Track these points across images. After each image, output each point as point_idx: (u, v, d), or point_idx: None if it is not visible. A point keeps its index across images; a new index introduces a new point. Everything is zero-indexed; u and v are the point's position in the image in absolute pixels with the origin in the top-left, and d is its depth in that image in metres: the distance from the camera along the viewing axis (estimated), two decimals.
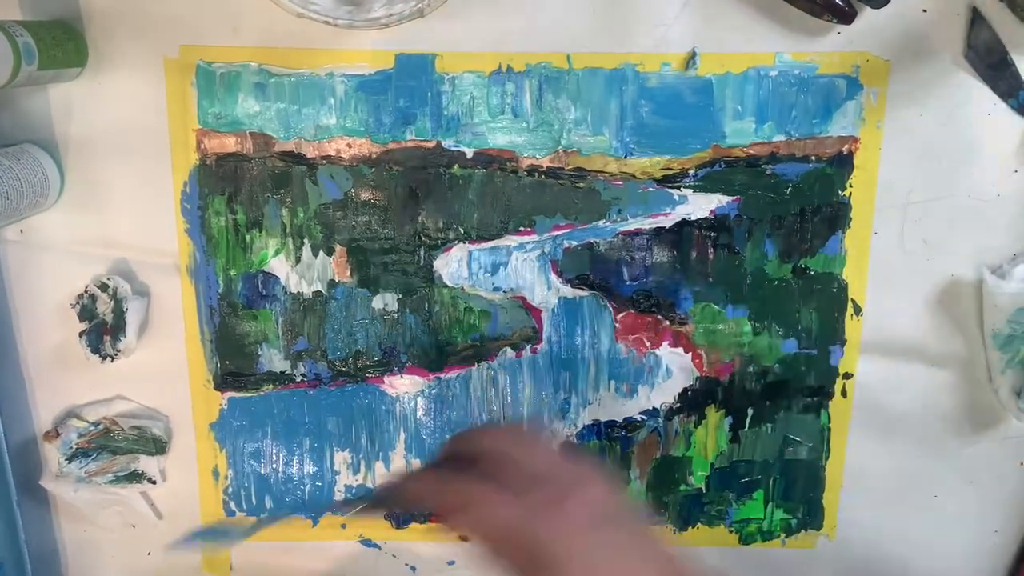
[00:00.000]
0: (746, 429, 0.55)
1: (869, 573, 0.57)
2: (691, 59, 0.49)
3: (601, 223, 0.52)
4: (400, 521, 0.56)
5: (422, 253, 0.52)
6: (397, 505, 0.42)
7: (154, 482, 0.55)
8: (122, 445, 0.54)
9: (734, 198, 0.51)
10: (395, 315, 0.53)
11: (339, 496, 0.56)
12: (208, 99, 0.50)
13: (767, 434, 0.55)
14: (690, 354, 0.54)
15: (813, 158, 0.51)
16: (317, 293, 0.53)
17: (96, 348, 0.52)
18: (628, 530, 0.36)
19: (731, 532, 0.57)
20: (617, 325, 0.53)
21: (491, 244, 0.52)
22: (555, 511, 0.34)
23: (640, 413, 0.55)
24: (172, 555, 0.54)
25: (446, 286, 0.53)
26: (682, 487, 0.56)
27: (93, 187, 0.51)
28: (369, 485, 0.56)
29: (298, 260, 0.52)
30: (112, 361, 0.52)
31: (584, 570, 0.34)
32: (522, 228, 0.52)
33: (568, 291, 0.53)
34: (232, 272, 0.53)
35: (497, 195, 0.51)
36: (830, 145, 0.51)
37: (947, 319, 0.53)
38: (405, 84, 0.50)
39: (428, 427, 0.55)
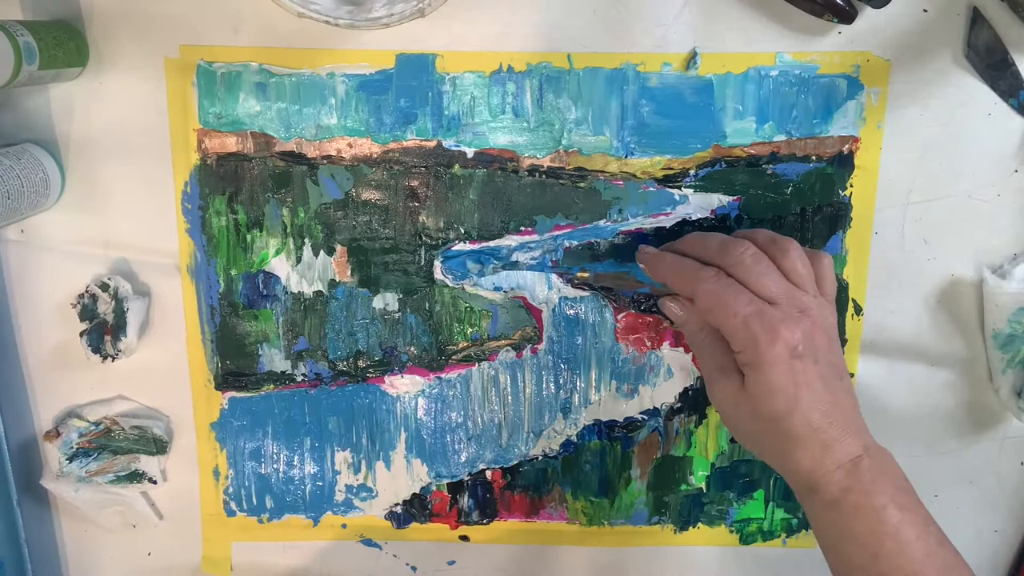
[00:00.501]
0: None
1: None
2: (692, 59, 0.49)
3: (602, 223, 0.52)
4: (403, 519, 0.57)
5: (423, 253, 0.52)
6: (646, 266, 0.47)
7: (155, 482, 0.55)
8: (123, 445, 0.54)
9: (735, 198, 0.51)
10: (396, 315, 0.53)
11: (340, 496, 0.56)
12: (209, 99, 0.50)
13: None
14: (691, 354, 0.54)
15: (814, 158, 0.51)
16: (318, 293, 0.53)
17: (97, 348, 0.52)
18: (828, 372, 0.42)
19: (732, 532, 0.57)
20: (618, 325, 0.53)
21: (492, 243, 0.52)
22: (784, 327, 0.41)
23: (641, 413, 0.55)
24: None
25: (446, 286, 0.53)
26: (683, 487, 0.56)
27: (94, 187, 0.51)
28: (370, 485, 0.56)
29: (299, 260, 0.52)
30: (113, 361, 0.52)
31: (783, 389, 0.41)
32: (523, 228, 0.52)
33: (569, 291, 0.53)
34: (233, 272, 0.53)
35: (498, 195, 0.51)
36: (831, 145, 0.51)
37: (947, 319, 0.53)
38: (406, 84, 0.50)
39: (429, 427, 0.55)
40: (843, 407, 0.42)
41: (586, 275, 0.50)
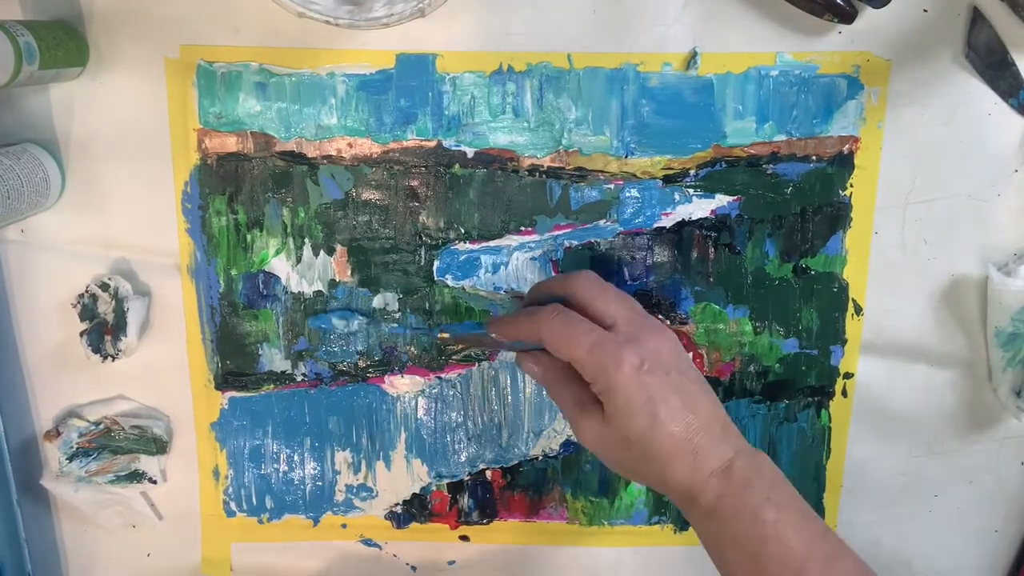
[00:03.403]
0: (747, 429, 0.55)
1: None
2: (692, 59, 0.49)
3: (602, 223, 0.52)
4: (400, 521, 0.57)
5: (423, 253, 0.52)
6: (496, 333, 0.46)
7: (155, 482, 0.55)
8: (123, 445, 0.54)
9: (735, 198, 0.51)
10: (396, 315, 0.53)
11: (340, 496, 0.56)
12: (209, 99, 0.50)
13: (768, 434, 0.55)
14: (691, 354, 0.54)
15: (814, 158, 0.51)
16: (318, 293, 0.53)
17: (97, 348, 0.52)
18: (681, 381, 0.42)
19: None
20: None
21: (492, 243, 0.52)
22: (627, 348, 0.41)
23: None
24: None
25: (447, 286, 0.53)
26: None
27: (94, 187, 0.51)
28: (370, 485, 0.56)
29: (299, 260, 0.52)
30: (113, 361, 0.52)
31: (640, 406, 0.40)
32: (523, 228, 0.52)
33: None
34: (233, 272, 0.53)
35: (498, 195, 0.51)
36: (831, 145, 0.51)
37: (948, 319, 0.53)
38: (406, 84, 0.50)
39: (429, 427, 0.55)
40: (705, 414, 0.42)
41: (446, 336, 0.51)
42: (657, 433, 0.41)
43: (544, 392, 0.54)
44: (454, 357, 0.54)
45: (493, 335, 0.46)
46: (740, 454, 0.41)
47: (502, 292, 0.53)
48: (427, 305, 0.53)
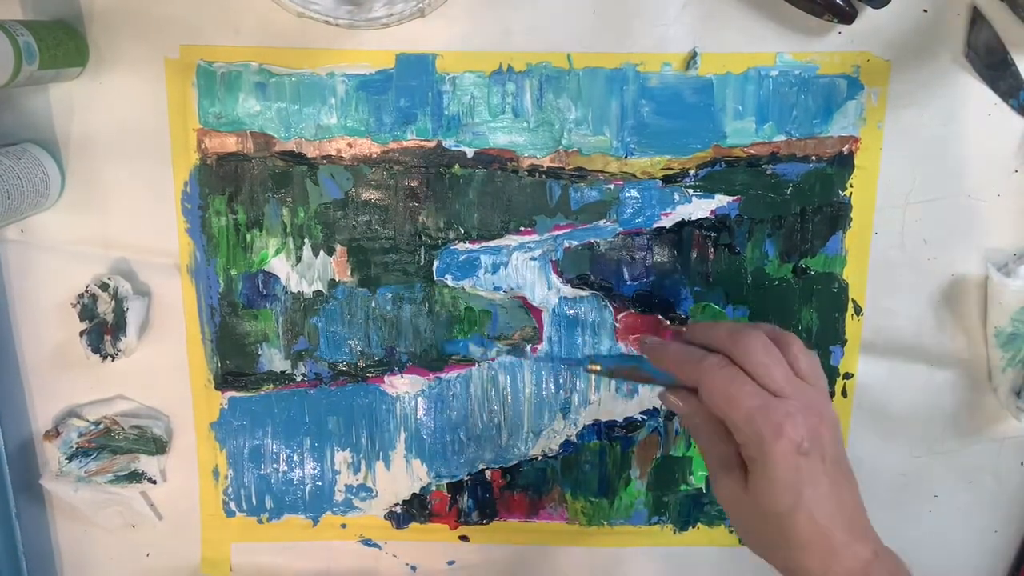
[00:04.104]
0: None
1: None
2: (692, 59, 0.49)
3: (602, 223, 0.52)
4: (398, 521, 0.57)
5: (422, 253, 0.52)
6: (654, 360, 0.44)
7: (154, 482, 0.55)
8: (122, 445, 0.54)
9: (734, 198, 0.51)
10: (395, 315, 0.53)
11: (339, 496, 0.56)
12: (209, 99, 0.50)
13: None
14: None
15: (814, 158, 0.51)
16: (317, 293, 0.53)
17: (97, 348, 0.52)
18: (834, 470, 0.40)
19: (731, 532, 0.57)
20: (617, 325, 0.53)
21: (492, 244, 0.52)
22: (788, 423, 0.38)
23: (640, 413, 0.55)
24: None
25: (446, 286, 0.53)
26: (682, 487, 0.56)
27: (94, 187, 0.51)
28: (369, 485, 0.56)
29: (298, 260, 0.52)
30: (113, 361, 0.52)
31: (787, 487, 0.39)
32: (522, 228, 0.52)
33: (568, 291, 0.53)
34: (232, 272, 0.53)
35: (498, 195, 0.51)
36: (831, 145, 0.51)
37: (947, 319, 0.53)
38: (406, 84, 0.50)
39: (428, 427, 0.55)
40: (850, 508, 0.40)
41: (597, 368, 0.48)
42: (798, 518, 0.39)
43: (544, 393, 0.54)
44: (454, 357, 0.54)
45: (647, 357, 0.44)
46: (878, 556, 0.40)
47: (502, 292, 0.53)
48: (427, 305, 0.53)
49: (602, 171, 0.51)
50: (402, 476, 0.56)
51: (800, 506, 0.39)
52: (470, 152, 0.51)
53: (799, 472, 0.38)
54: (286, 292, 0.53)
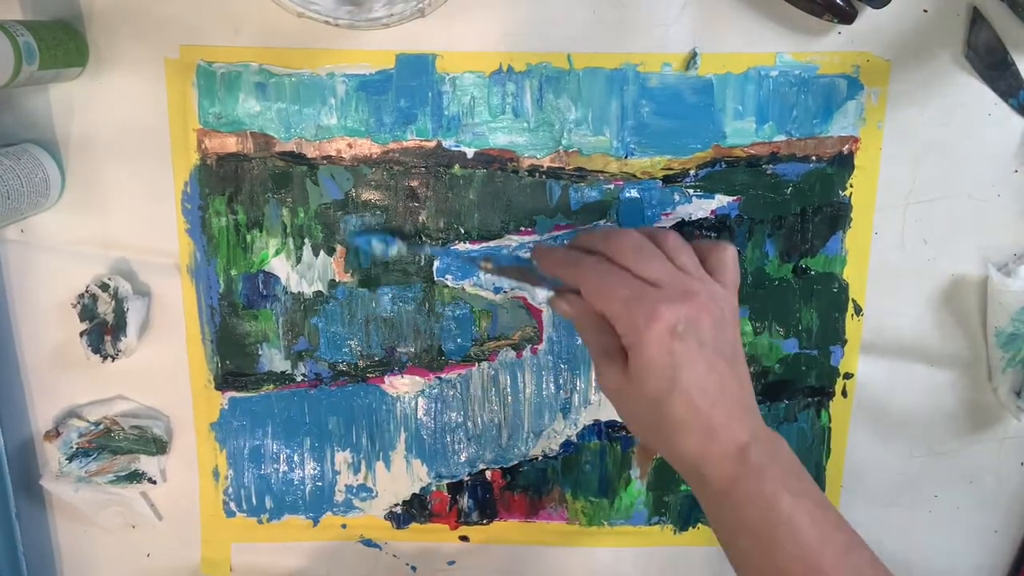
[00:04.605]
0: None
1: None
2: (692, 59, 0.49)
3: (602, 223, 0.52)
4: (400, 520, 0.57)
5: (422, 253, 0.52)
6: (539, 263, 0.45)
7: (154, 482, 0.55)
8: (123, 445, 0.54)
9: (735, 198, 0.51)
10: (395, 315, 0.53)
11: (340, 496, 0.56)
12: (209, 99, 0.50)
13: None
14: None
15: (814, 158, 0.51)
16: (318, 293, 0.53)
17: (97, 348, 0.52)
18: (714, 355, 0.40)
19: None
20: None
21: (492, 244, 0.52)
22: (663, 307, 0.39)
23: None
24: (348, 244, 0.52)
25: (447, 286, 0.53)
26: (682, 487, 0.56)
27: (94, 187, 0.51)
28: (369, 485, 0.56)
29: (299, 260, 0.52)
30: (113, 361, 0.52)
31: (662, 369, 0.39)
32: (523, 228, 0.52)
33: None
34: (233, 272, 0.53)
35: (498, 195, 0.51)
36: (831, 145, 0.51)
37: (947, 319, 0.53)
38: (406, 84, 0.50)
39: (428, 427, 0.55)
40: (730, 391, 0.40)
41: (488, 265, 0.49)
42: (673, 399, 0.40)
43: (544, 393, 0.54)
44: (454, 357, 0.54)
45: (535, 262, 0.45)
46: (757, 439, 0.40)
47: (502, 292, 0.53)
48: (427, 305, 0.53)
49: (602, 171, 0.51)
50: (402, 476, 0.56)
51: (676, 388, 0.39)
52: (470, 152, 0.51)
53: (673, 355, 0.39)
54: (286, 292, 0.53)
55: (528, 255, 0.46)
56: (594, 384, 0.54)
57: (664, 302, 0.40)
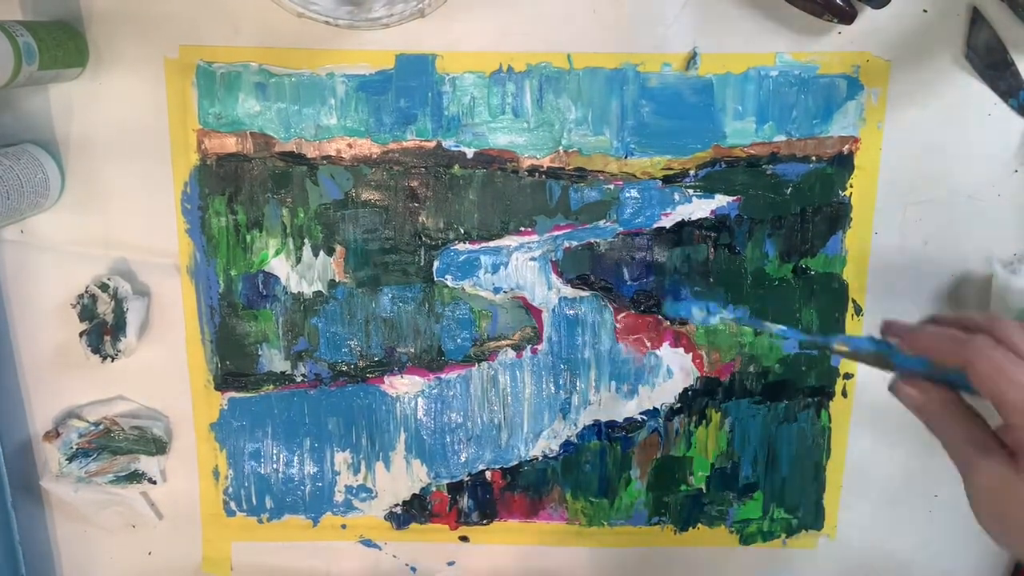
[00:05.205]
0: (747, 429, 0.55)
1: (869, 573, 0.57)
2: (692, 59, 0.49)
3: (602, 223, 0.52)
4: (403, 520, 0.56)
5: (422, 253, 0.52)
6: (906, 346, 0.42)
7: (154, 482, 0.55)
8: (122, 445, 0.54)
9: (734, 198, 0.51)
10: (395, 315, 0.53)
11: (340, 496, 0.56)
12: (208, 99, 0.50)
13: (767, 434, 0.55)
14: (691, 354, 0.54)
15: (814, 158, 0.51)
16: (317, 293, 0.53)
17: (96, 348, 0.52)
18: None
19: (731, 532, 0.57)
20: (618, 325, 0.53)
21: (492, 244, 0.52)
22: None
23: (641, 413, 0.55)
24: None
25: (446, 286, 0.53)
26: (683, 487, 0.56)
27: (93, 187, 0.51)
28: (369, 486, 0.56)
29: (298, 260, 0.52)
30: (112, 361, 0.52)
31: None
32: (523, 228, 0.52)
33: (568, 291, 0.53)
34: (232, 272, 0.53)
35: (498, 195, 0.51)
36: (831, 145, 0.51)
37: None
38: (406, 84, 0.50)
39: (428, 427, 0.55)
40: None
41: (845, 349, 0.45)
42: None
43: (544, 393, 0.54)
44: (453, 360, 0.54)
45: (893, 341, 0.42)
46: None
47: (502, 293, 0.53)
48: (427, 305, 0.53)
49: (602, 171, 0.51)
50: (402, 476, 0.56)
51: None
52: (470, 152, 0.51)
53: None
54: (286, 292, 0.53)
55: (883, 333, 0.42)
56: (594, 384, 0.54)
57: None
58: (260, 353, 0.54)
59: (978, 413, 0.39)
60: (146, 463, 0.54)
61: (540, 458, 0.55)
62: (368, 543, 0.57)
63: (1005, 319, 0.40)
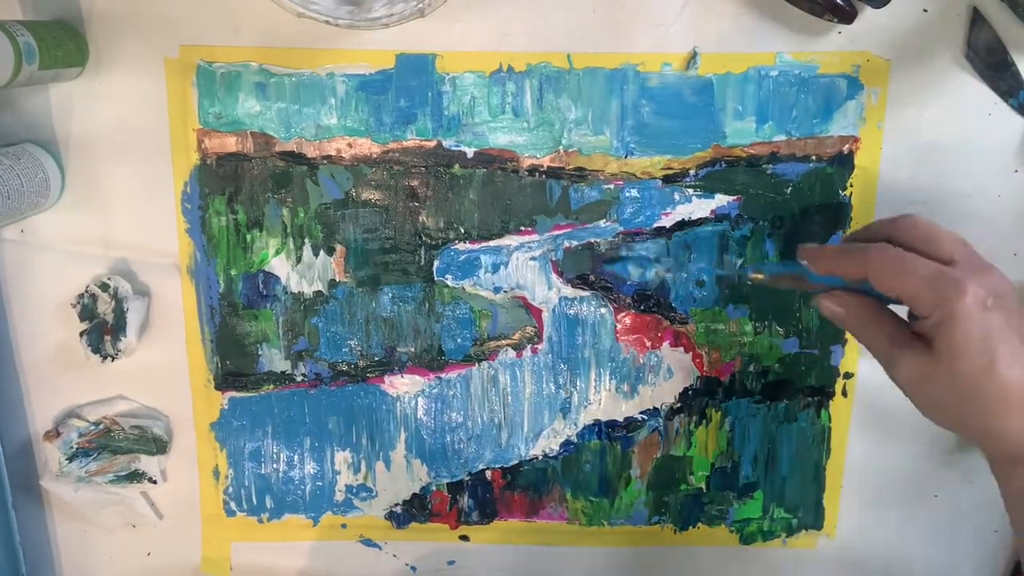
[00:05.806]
0: (747, 429, 0.55)
1: (869, 573, 0.57)
2: (692, 59, 0.49)
3: (602, 223, 0.52)
4: (400, 520, 0.57)
5: (422, 253, 0.52)
6: (812, 265, 0.44)
7: (155, 482, 0.55)
8: (123, 445, 0.54)
9: (735, 198, 0.51)
10: (395, 315, 0.53)
11: (340, 496, 0.56)
12: (208, 99, 0.50)
13: (768, 434, 0.55)
14: (691, 354, 0.54)
15: (814, 158, 0.51)
16: (318, 293, 0.53)
17: (97, 348, 0.52)
18: (1021, 326, 0.38)
19: (731, 532, 0.57)
20: (618, 325, 0.53)
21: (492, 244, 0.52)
22: (971, 280, 0.38)
23: (641, 413, 0.55)
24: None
25: (446, 286, 0.53)
26: (683, 487, 0.56)
27: (93, 187, 0.51)
28: (369, 485, 0.56)
29: (299, 260, 0.52)
30: (112, 361, 0.52)
31: (979, 344, 0.38)
32: (523, 228, 0.52)
33: (569, 291, 0.53)
34: (233, 272, 0.53)
35: (498, 195, 0.51)
36: (831, 145, 0.51)
37: None
38: (406, 84, 0.50)
39: (428, 427, 0.55)
40: None
41: (760, 276, 0.47)
42: (995, 376, 0.37)
43: (544, 393, 0.54)
44: (453, 359, 0.54)
45: (803, 261, 0.44)
46: None
47: (502, 292, 0.53)
48: (427, 305, 0.53)
49: (602, 171, 0.51)
50: (402, 476, 0.56)
51: (995, 363, 0.37)
52: (470, 152, 0.51)
53: (988, 328, 0.37)
54: (286, 292, 0.53)
55: (799, 258, 0.44)
56: (594, 383, 0.54)
57: (968, 277, 0.38)
58: (260, 353, 0.54)
59: (895, 314, 0.41)
60: (146, 463, 0.55)
61: (540, 457, 0.56)
62: (368, 543, 0.57)
63: (905, 215, 0.42)
